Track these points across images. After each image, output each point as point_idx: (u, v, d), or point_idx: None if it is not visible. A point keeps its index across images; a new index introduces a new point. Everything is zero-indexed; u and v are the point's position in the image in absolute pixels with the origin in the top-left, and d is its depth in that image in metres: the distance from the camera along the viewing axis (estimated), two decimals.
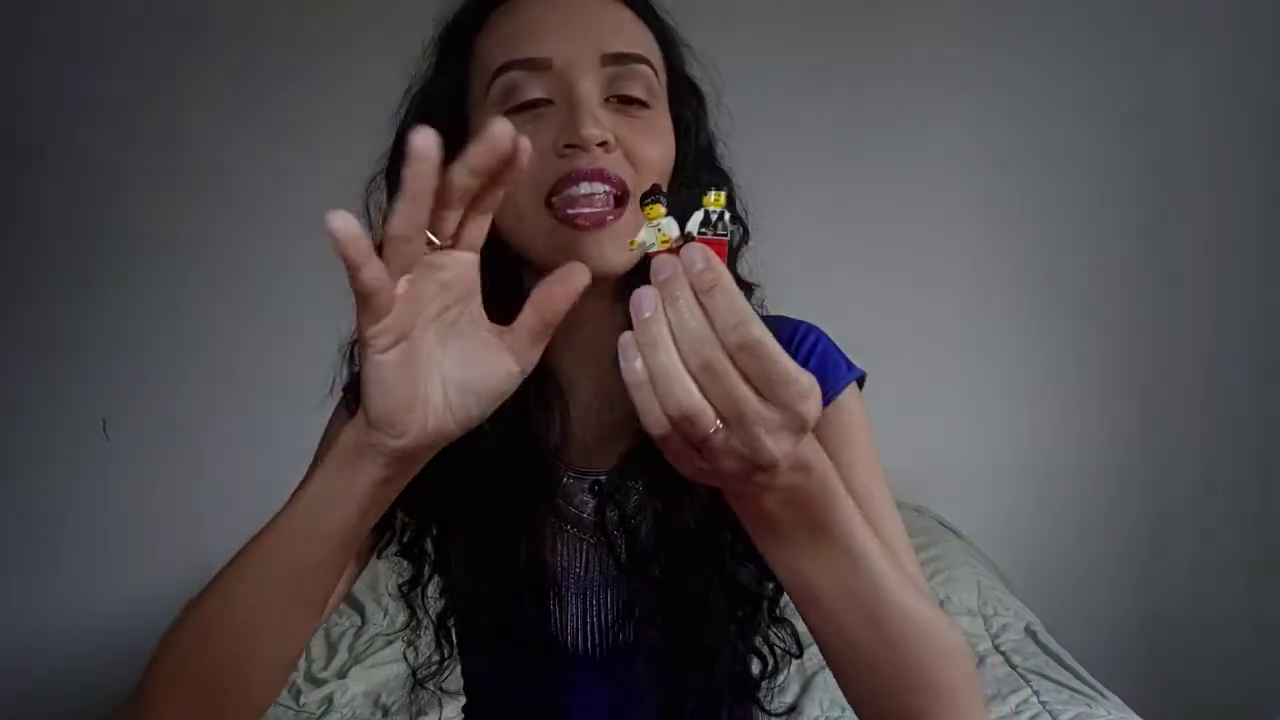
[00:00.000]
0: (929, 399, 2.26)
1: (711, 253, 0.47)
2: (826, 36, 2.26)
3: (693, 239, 0.48)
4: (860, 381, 0.78)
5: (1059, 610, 2.03)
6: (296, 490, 0.63)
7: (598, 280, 0.57)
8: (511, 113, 0.67)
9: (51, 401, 2.31)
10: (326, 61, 2.24)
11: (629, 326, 0.53)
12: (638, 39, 0.70)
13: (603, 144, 0.64)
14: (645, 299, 0.48)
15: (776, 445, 0.48)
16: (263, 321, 2.30)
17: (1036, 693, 1.46)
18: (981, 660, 1.60)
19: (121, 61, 2.27)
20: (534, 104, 0.67)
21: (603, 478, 0.76)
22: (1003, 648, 1.65)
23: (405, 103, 0.77)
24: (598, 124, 0.64)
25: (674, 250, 0.48)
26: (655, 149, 0.68)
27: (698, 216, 0.49)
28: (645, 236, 0.50)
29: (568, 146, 0.64)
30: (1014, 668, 1.57)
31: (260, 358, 2.29)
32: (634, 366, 0.48)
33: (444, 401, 0.55)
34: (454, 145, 0.63)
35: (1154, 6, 2.20)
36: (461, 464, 0.69)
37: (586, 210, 0.64)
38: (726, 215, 0.49)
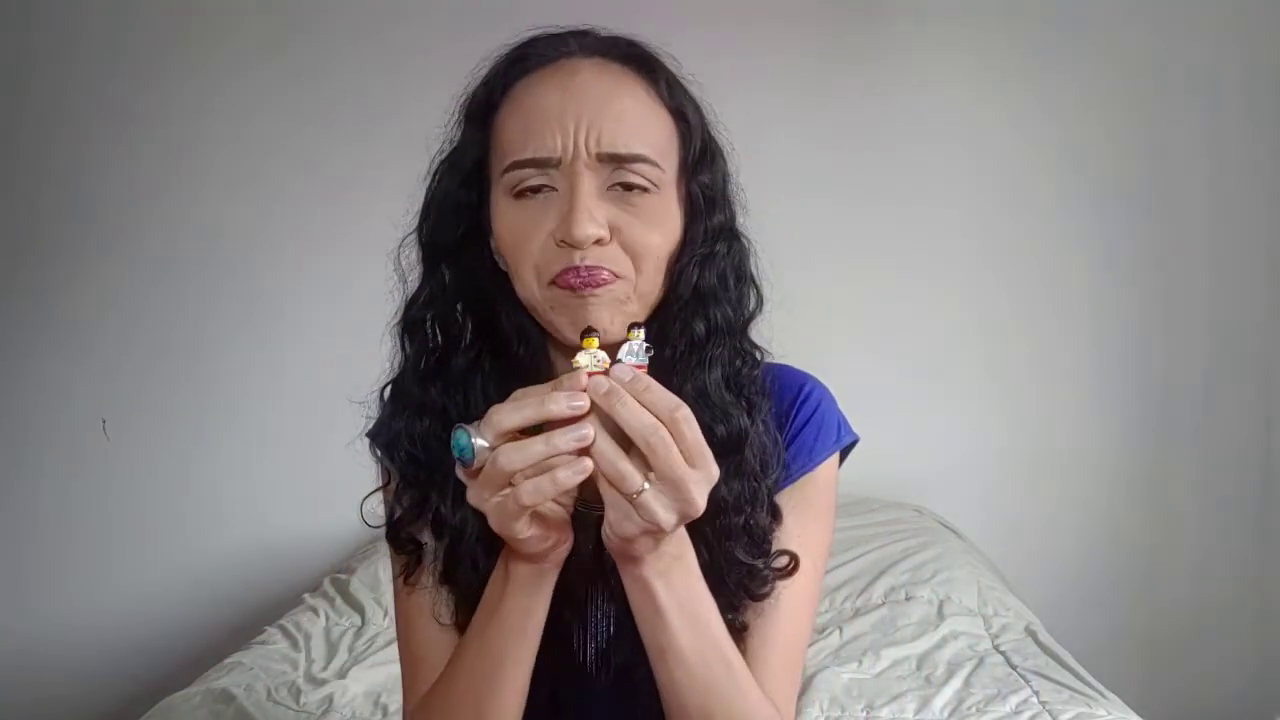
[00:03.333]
0: (930, 398, 2.26)
1: (637, 369, 0.65)
2: (824, 43, 2.27)
3: (621, 363, 0.65)
4: (848, 448, 0.86)
5: (1059, 610, 2.03)
6: (490, 612, 0.75)
7: (604, 345, 0.72)
8: (519, 197, 0.74)
9: (52, 401, 2.31)
10: (341, 65, 2.25)
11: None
12: (642, 129, 0.75)
13: (598, 240, 0.71)
14: (581, 411, 0.63)
15: (700, 497, 0.64)
16: (263, 323, 2.30)
17: (1036, 693, 1.46)
18: (981, 660, 1.60)
19: (125, 60, 2.28)
20: (539, 189, 0.73)
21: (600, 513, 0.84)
22: (1003, 648, 1.65)
23: (432, 169, 0.82)
24: (592, 221, 0.71)
25: (605, 372, 0.64)
26: (653, 236, 0.74)
27: (625, 348, 0.66)
28: (585, 361, 0.65)
29: (564, 241, 0.72)
30: (1014, 668, 1.56)
31: (261, 359, 2.29)
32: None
33: (563, 510, 0.71)
34: (478, 209, 0.79)
35: (1157, 7, 2.20)
36: None
37: (582, 276, 0.72)
38: (644, 346, 0.66)
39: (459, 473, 0.67)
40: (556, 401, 0.63)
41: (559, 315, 0.74)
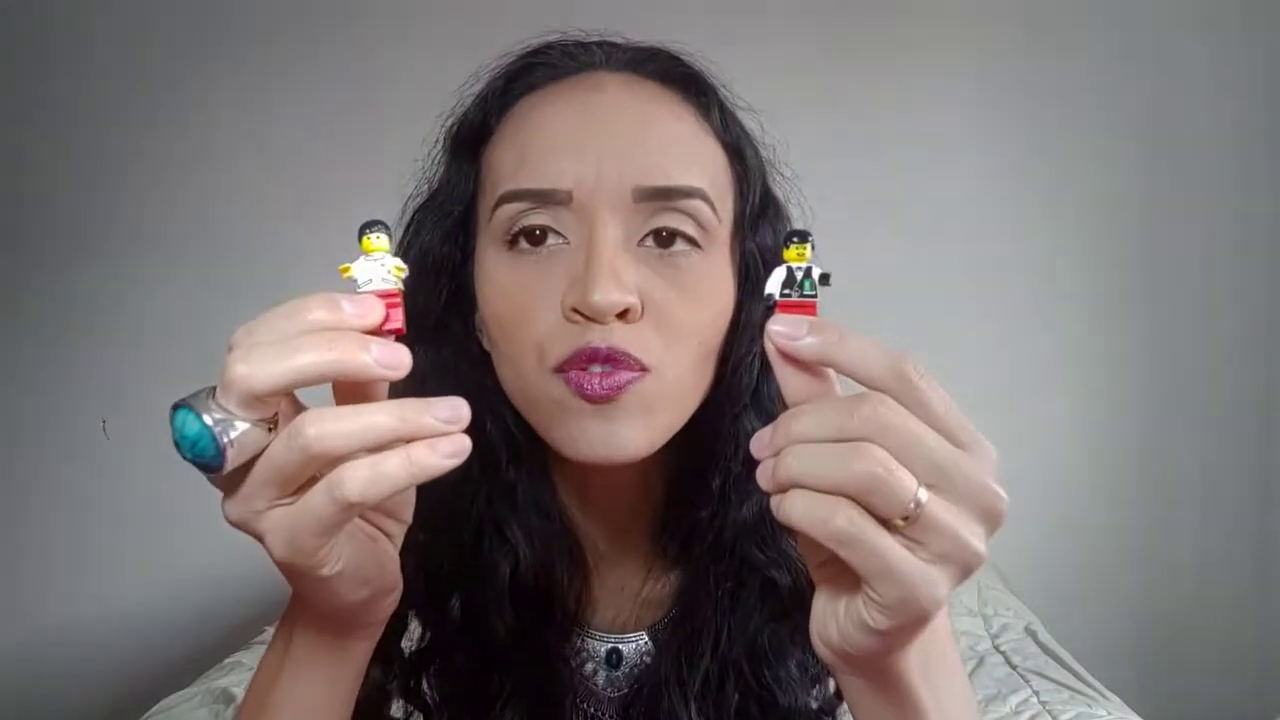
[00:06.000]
0: None
1: (811, 319, 0.40)
2: (836, 42, 2.26)
3: (773, 303, 0.41)
4: None
5: (1059, 610, 2.03)
6: (255, 709, 0.49)
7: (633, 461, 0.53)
8: (516, 247, 0.54)
9: (52, 401, 2.31)
10: (343, 62, 2.24)
11: (660, 487, 0.59)
12: (691, 160, 0.55)
13: (624, 312, 0.51)
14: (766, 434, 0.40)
15: (1000, 488, 0.40)
16: None
17: (1036, 693, 1.46)
18: (981, 660, 1.60)
19: (124, 58, 2.27)
20: (544, 236, 0.53)
21: (621, 646, 0.66)
22: (1003, 648, 1.65)
23: (406, 217, 0.62)
24: (617, 285, 0.50)
25: (394, 295, 0.40)
26: (698, 312, 0.54)
27: (779, 275, 0.41)
28: (361, 272, 0.41)
29: (576, 311, 0.51)
30: (1014, 668, 1.57)
31: None
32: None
33: (391, 538, 0.46)
34: (464, 269, 0.58)
35: (1160, 10, 2.20)
36: (478, 630, 0.61)
37: (597, 379, 0.51)
38: (815, 271, 0.41)
39: (211, 476, 0.40)
40: (366, 349, 0.37)
41: (560, 426, 0.53)
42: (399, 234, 0.61)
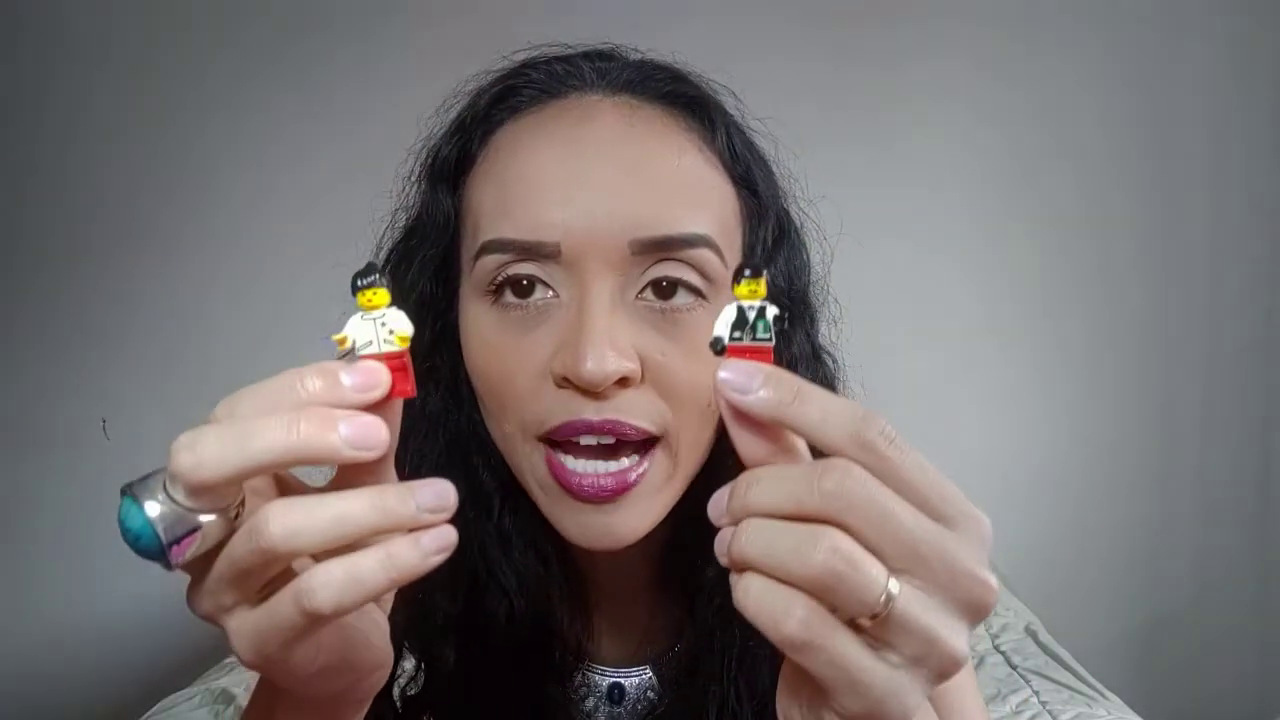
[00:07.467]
0: (929, 400, 2.26)
1: (766, 368, 0.34)
2: (824, 47, 2.26)
3: (722, 348, 0.35)
4: None
5: (1059, 610, 2.03)
6: None
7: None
8: (501, 300, 0.49)
9: (52, 401, 2.31)
10: (336, 61, 2.24)
11: (662, 537, 0.51)
12: (694, 203, 0.49)
13: (624, 379, 0.46)
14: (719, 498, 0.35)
15: (988, 572, 0.35)
16: (266, 324, 2.29)
17: (1036, 693, 1.46)
18: (981, 660, 1.60)
19: (124, 59, 2.27)
20: (531, 288, 0.48)
21: (623, 681, 0.61)
22: (1003, 648, 1.66)
23: (382, 251, 0.58)
24: (613, 351, 0.45)
25: (399, 357, 0.35)
26: (704, 372, 0.46)
27: (728, 314, 0.35)
28: (359, 333, 0.37)
29: (567, 380, 0.46)
30: (1014, 668, 1.57)
31: (262, 359, 2.28)
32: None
33: (380, 603, 0.41)
34: (451, 308, 0.52)
35: (1160, 9, 2.20)
36: (472, 677, 0.58)
37: (590, 481, 0.47)
38: (768, 310, 0.35)
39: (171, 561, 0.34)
40: (333, 428, 0.33)
41: (549, 507, 0.50)
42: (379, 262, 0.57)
